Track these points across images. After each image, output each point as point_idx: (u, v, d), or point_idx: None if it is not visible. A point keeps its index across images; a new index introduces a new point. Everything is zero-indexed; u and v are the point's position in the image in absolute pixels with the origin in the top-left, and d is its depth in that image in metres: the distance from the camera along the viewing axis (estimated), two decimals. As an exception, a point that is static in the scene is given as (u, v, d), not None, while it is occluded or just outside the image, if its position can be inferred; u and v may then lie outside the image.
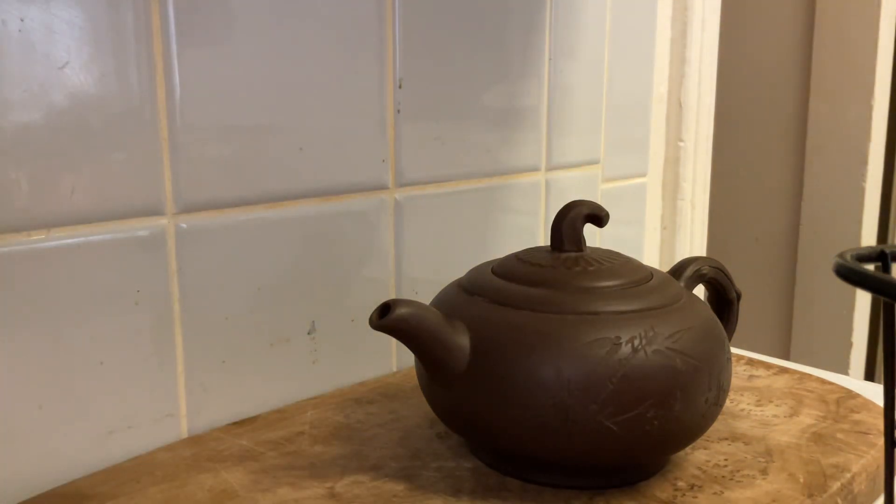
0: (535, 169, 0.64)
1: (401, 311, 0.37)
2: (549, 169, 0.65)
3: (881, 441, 0.45)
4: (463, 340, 0.38)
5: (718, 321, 0.41)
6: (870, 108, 1.33)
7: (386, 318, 0.37)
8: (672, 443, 0.39)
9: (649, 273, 0.42)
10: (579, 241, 0.43)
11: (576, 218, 0.43)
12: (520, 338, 0.37)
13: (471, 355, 0.38)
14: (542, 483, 0.40)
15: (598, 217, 0.43)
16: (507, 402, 0.37)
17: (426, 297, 0.58)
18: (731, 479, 0.41)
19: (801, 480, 0.41)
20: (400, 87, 0.54)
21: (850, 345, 1.37)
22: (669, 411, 0.36)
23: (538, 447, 0.37)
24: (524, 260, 0.42)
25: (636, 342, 0.36)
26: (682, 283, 0.44)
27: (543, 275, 0.40)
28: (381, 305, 0.37)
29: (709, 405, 0.38)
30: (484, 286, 0.41)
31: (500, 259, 0.44)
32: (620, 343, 0.36)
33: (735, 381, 0.54)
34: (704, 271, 0.46)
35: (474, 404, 0.38)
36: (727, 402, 0.50)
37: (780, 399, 0.51)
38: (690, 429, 0.38)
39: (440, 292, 0.44)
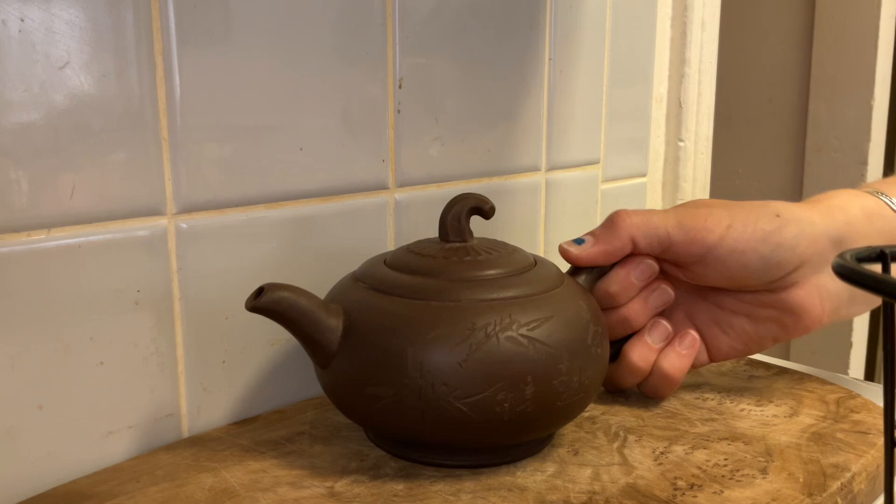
0: (535, 169, 0.64)
1: (274, 293, 0.39)
2: (549, 169, 0.66)
3: (881, 441, 0.45)
4: (336, 323, 0.40)
5: (590, 313, 0.42)
6: (870, 108, 1.33)
7: (259, 300, 0.39)
8: (528, 426, 0.40)
9: (531, 264, 0.44)
10: (463, 232, 0.45)
11: (460, 211, 0.45)
12: (383, 321, 0.40)
13: (342, 337, 0.40)
14: (415, 461, 0.42)
15: (483, 210, 0.45)
16: (370, 381, 0.39)
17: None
18: (731, 479, 0.41)
19: (801, 480, 0.41)
20: (400, 87, 0.54)
21: (850, 345, 1.37)
22: (520, 395, 0.38)
23: (399, 426, 0.40)
24: (413, 251, 0.44)
25: (490, 328, 0.38)
26: (582, 277, 0.47)
27: (423, 264, 0.42)
28: (257, 289, 0.40)
29: (568, 392, 0.40)
30: (369, 274, 0.43)
31: (395, 249, 0.46)
32: (474, 329, 0.38)
33: (735, 381, 0.54)
34: (606, 269, 0.48)
35: (345, 383, 0.41)
36: (727, 403, 0.50)
37: (780, 399, 0.51)
38: (547, 413, 0.40)
39: (338, 281, 0.46)
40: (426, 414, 0.39)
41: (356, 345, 0.40)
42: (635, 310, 0.48)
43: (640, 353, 0.48)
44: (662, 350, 0.49)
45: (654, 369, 0.49)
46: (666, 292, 0.49)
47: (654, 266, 0.48)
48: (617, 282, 0.48)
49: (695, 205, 0.49)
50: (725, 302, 0.50)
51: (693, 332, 0.50)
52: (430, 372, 0.38)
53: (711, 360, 0.51)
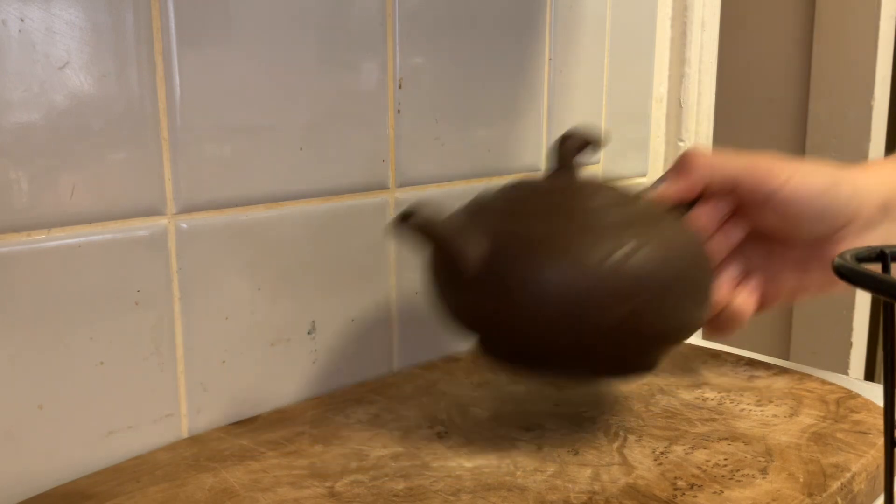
0: (536, 169, 0.64)
1: (421, 216, 0.41)
2: (549, 169, 0.65)
3: (881, 441, 0.45)
4: (477, 245, 0.42)
5: (702, 236, 0.46)
6: (870, 108, 1.33)
7: (408, 221, 0.41)
8: (663, 338, 0.43)
9: (642, 194, 0.46)
10: (575, 167, 0.46)
11: (571, 144, 0.46)
12: (527, 244, 0.41)
13: (484, 259, 0.41)
14: (547, 373, 0.45)
15: (592, 143, 0.47)
16: (516, 301, 0.41)
17: (426, 297, 0.58)
18: (731, 479, 0.41)
19: (801, 480, 0.41)
20: (400, 87, 0.54)
21: (850, 345, 1.37)
22: (659, 310, 0.41)
23: (542, 340, 0.41)
24: (529, 183, 0.46)
25: (629, 247, 0.40)
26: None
27: (548, 190, 0.45)
28: (402, 212, 0.41)
29: (696, 306, 0.43)
30: (493, 204, 0.45)
31: (501, 188, 0.47)
32: (617, 247, 0.40)
33: (735, 381, 0.54)
34: (688, 207, 0.51)
35: (486, 304, 0.42)
36: (727, 403, 0.50)
37: (780, 399, 0.51)
38: (680, 326, 0.43)
39: (455, 211, 0.47)
40: (571, 329, 0.40)
41: (499, 266, 0.41)
42: (715, 246, 0.50)
43: (718, 288, 0.50)
44: (734, 288, 0.51)
45: (726, 306, 0.51)
46: (742, 229, 0.51)
47: (732, 203, 0.50)
48: (703, 216, 0.50)
49: (760, 154, 0.51)
50: (776, 251, 0.52)
51: (754, 277, 0.52)
52: (576, 291, 0.40)
53: (758, 308, 0.53)
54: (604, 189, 0.45)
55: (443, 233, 0.41)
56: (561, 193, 0.44)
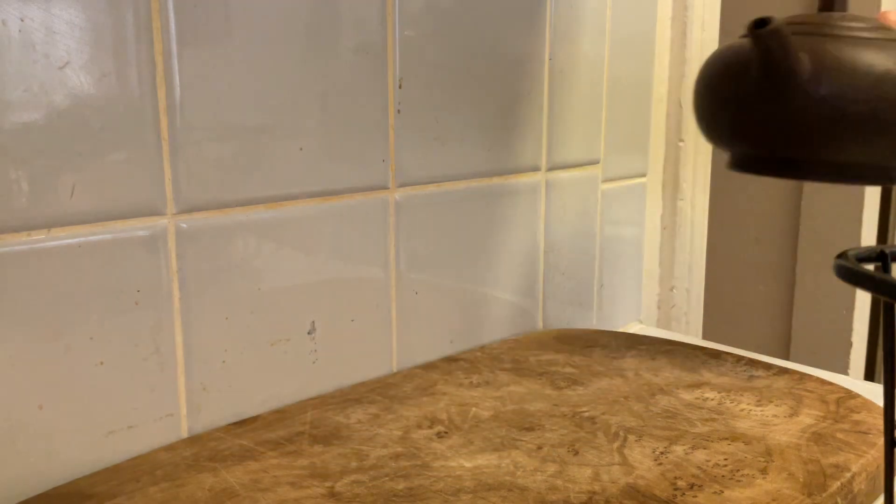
0: (535, 169, 0.64)
1: (776, 24, 0.45)
2: (549, 169, 0.65)
3: (881, 441, 0.45)
4: (806, 56, 0.46)
5: None
6: (870, 108, 1.32)
7: (763, 28, 0.45)
8: None
9: None
10: (844, 4, 0.51)
11: None
12: (847, 58, 0.46)
13: (805, 69, 0.46)
14: (832, 176, 0.49)
15: None
16: (843, 103, 0.46)
17: (426, 297, 0.58)
18: (731, 479, 0.41)
19: (801, 480, 0.41)
20: (400, 87, 0.54)
21: (850, 345, 1.37)
22: None
23: (871, 140, 0.47)
24: (810, 17, 0.51)
25: None
26: None
27: (825, 22, 0.49)
28: (759, 17, 0.46)
29: None
30: (788, 26, 0.49)
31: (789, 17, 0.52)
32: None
33: (735, 381, 0.54)
34: None
35: (816, 106, 0.46)
36: (727, 403, 0.50)
37: (780, 399, 0.51)
38: None
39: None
40: (860, 132, 0.46)
41: (829, 74, 0.46)
42: None
43: None
44: None
45: None
46: None
47: None
48: None
49: None
50: None
51: None
52: (872, 98, 0.45)
53: None
54: (871, 20, 0.50)
55: (790, 40, 0.46)
56: (851, 21, 0.49)
